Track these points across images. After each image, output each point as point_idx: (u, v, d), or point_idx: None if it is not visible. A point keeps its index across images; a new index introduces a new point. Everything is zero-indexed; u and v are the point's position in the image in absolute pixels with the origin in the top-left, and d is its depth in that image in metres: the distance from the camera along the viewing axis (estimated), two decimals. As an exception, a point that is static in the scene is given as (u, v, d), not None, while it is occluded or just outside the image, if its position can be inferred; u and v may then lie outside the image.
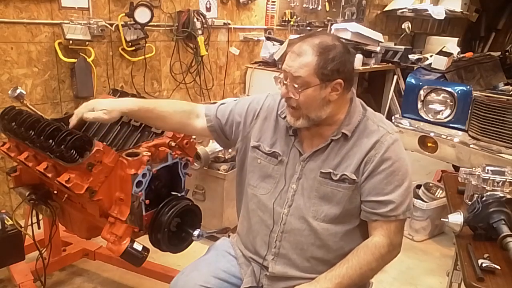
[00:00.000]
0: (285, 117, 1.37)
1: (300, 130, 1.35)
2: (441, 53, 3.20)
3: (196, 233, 1.47)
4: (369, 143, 1.27)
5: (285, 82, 1.25)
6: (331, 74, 1.21)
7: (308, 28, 4.37)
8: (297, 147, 1.34)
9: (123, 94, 1.89)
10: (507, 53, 3.62)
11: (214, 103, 2.79)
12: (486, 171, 1.63)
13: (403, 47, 4.53)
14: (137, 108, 1.35)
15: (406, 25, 4.53)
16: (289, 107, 1.29)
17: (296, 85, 1.22)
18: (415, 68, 3.57)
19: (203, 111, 1.46)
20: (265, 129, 1.40)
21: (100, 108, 1.30)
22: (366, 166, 1.26)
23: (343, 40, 1.30)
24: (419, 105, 2.89)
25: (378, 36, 4.24)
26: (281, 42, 3.85)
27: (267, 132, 1.40)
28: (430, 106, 2.86)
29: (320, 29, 4.36)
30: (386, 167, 1.25)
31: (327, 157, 1.30)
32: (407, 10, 5.00)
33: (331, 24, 4.54)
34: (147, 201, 1.41)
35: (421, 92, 2.87)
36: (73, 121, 1.34)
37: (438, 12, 4.95)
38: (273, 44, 3.90)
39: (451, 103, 2.76)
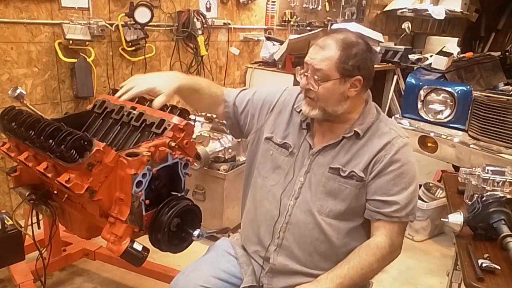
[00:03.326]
0: (300, 111, 1.39)
1: (313, 125, 1.37)
2: (441, 53, 3.20)
3: (196, 233, 1.47)
4: (380, 143, 1.29)
5: (306, 74, 1.28)
6: (351, 70, 1.24)
7: (308, 28, 4.37)
8: (308, 140, 1.36)
9: (123, 94, 1.89)
10: (507, 53, 3.63)
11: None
12: (486, 171, 1.63)
13: (403, 47, 4.54)
14: (187, 87, 1.39)
15: (406, 25, 4.54)
16: (307, 98, 1.31)
17: (316, 77, 1.25)
18: (415, 68, 3.57)
19: (225, 96, 1.50)
20: (279, 122, 1.43)
21: (160, 92, 1.30)
22: (375, 166, 1.28)
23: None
24: (419, 105, 2.89)
25: (378, 36, 4.25)
26: (281, 42, 3.85)
27: (280, 125, 1.43)
28: (430, 106, 2.86)
29: (320, 29, 4.35)
30: (394, 168, 1.27)
31: (338, 153, 1.32)
32: (407, 10, 5.01)
33: (331, 24, 4.55)
34: (147, 201, 1.40)
35: (421, 92, 2.87)
36: (128, 96, 1.33)
37: (438, 12, 4.96)
38: (273, 44, 3.90)
39: (451, 103, 2.76)
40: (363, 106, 1.35)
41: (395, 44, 4.71)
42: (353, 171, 1.29)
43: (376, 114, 1.36)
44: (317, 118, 1.32)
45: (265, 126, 1.45)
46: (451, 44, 3.84)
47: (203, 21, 3.42)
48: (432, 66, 3.13)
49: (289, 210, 1.33)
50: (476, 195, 1.52)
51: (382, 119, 1.35)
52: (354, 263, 1.25)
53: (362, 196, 1.30)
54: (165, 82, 1.32)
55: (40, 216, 1.76)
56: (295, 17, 4.26)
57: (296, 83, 1.47)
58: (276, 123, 1.44)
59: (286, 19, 4.23)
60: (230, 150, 2.67)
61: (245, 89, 1.53)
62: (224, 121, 1.57)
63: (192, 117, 2.40)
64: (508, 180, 1.59)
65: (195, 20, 3.32)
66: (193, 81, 1.43)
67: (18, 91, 1.76)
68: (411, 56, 3.99)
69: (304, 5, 4.38)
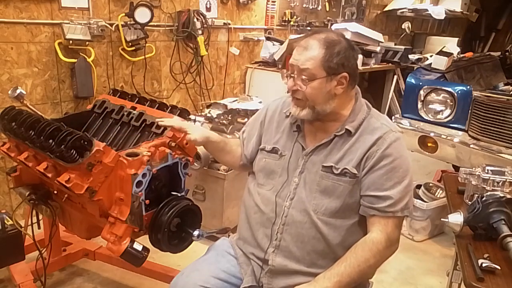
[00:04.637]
0: (289, 115, 1.43)
1: (303, 125, 1.39)
2: (441, 53, 3.20)
3: (196, 233, 1.47)
4: (371, 139, 1.30)
5: (292, 75, 1.30)
6: (336, 68, 1.27)
7: (308, 28, 4.36)
8: (300, 142, 1.38)
9: (123, 94, 1.89)
10: (507, 53, 3.62)
11: (214, 103, 2.80)
12: (486, 171, 1.63)
13: (403, 47, 4.53)
14: (215, 139, 1.51)
15: (406, 25, 4.53)
16: (295, 99, 1.33)
17: (303, 77, 1.27)
18: (415, 68, 3.57)
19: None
20: (270, 131, 1.48)
21: (189, 133, 1.44)
22: (367, 161, 1.28)
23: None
24: (419, 105, 2.89)
25: (378, 36, 4.24)
26: (281, 42, 3.85)
27: (271, 133, 1.47)
28: (430, 106, 2.86)
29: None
30: (386, 163, 1.27)
31: (330, 152, 1.33)
32: (407, 10, 5.00)
33: (331, 24, 4.55)
34: (147, 201, 1.41)
35: (421, 92, 2.87)
36: (165, 123, 1.48)
37: (438, 12, 4.95)
38: (273, 44, 3.90)
39: (451, 103, 2.76)
40: (353, 103, 1.36)
41: (395, 44, 4.70)
42: (345, 168, 1.29)
43: (367, 110, 1.37)
44: (307, 118, 1.33)
45: (261, 141, 1.51)
46: (451, 44, 3.83)
47: (203, 21, 3.42)
48: (432, 66, 3.13)
49: (285, 211, 1.34)
50: (476, 195, 1.52)
51: (373, 115, 1.36)
52: (351, 260, 1.25)
53: (356, 192, 1.30)
54: (199, 129, 1.53)
55: (40, 216, 1.77)
56: (295, 17, 4.26)
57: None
58: (267, 134, 1.48)
59: (286, 19, 4.23)
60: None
61: (243, 131, 1.60)
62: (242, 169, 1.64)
63: (192, 117, 2.40)
64: (508, 180, 1.59)
65: (195, 20, 3.32)
66: (221, 138, 1.55)
67: (18, 91, 1.77)
68: (411, 56, 3.98)
69: (304, 5, 4.38)
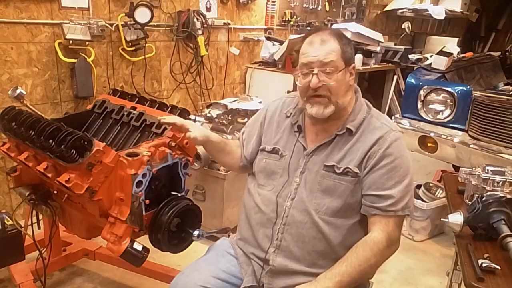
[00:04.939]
0: (290, 115, 1.43)
1: (305, 126, 1.40)
2: (441, 53, 3.20)
3: (196, 233, 1.47)
4: (372, 138, 1.30)
5: (314, 72, 1.27)
6: (350, 57, 1.31)
7: (308, 28, 4.37)
8: (301, 142, 1.39)
9: (123, 94, 1.89)
10: (507, 53, 3.62)
11: (214, 103, 2.80)
12: (486, 171, 1.63)
13: (403, 47, 4.53)
14: (215, 140, 1.50)
15: (406, 25, 4.53)
16: (316, 98, 1.30)
17: (328, 71, 1.27)
18: (415, 68, 3.57)
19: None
20: (270, 132, 1.48)
21: (190, 131, 1.44)
22: (368, 161, 1.29)
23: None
24: (419, 105, 2.89)
25: (378, 36, 4.24)
26: (281, 42, 3.85)
27: (271, 134, 1.47)
28: (430, 106, 2.86)
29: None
30: (387, 162, 1.28)
31: (331, 151, 1.33)
32: (407, 10, 5.01)
33: (331, 24, 4.55)
34: (147, 201, 1.41)
35: (421, 92, 2.87)
36: (167, 120, 1.49)
37: (438, 12, 4.96)
38: (273, 44, 3.90)
39: (451, 103, 2.76)
40: (353, 102, 1.37)
41: (395, 44, 4.70)
42: (347, 167, 1.30)
43: (367, 109, 1.38)
44: (329, 115, 1.31)
45: (261, 142, 1.51)
46: (451, 44, 3.84)
47: (203, 21, 3.42)
48: (432, 66, 3.13)
49: (285, 211, 1.34)
50: (476, 195, 1.52)
51: (373, 115, 1.37)
52: (352, 260, 1.25)
53: (358, 191, 1.31)
54: (200, 128, 1.51)
55: (40, 216, 1.77)
56: (295, 17, 4.26)
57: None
58: (267, 134, 1.48)
59: (286, 19, 4.23)
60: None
61: (243, 133, 1.59)
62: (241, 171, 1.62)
63: (192, 117, 2.40)
64: (508, 180, 1.59)
65: (195, 20, 3.32)
66: (221, 139, 1.54)
67: (18, 91, 1.77)
68: (411, 56, 3.98)
69: (304, 5, 4.38)
